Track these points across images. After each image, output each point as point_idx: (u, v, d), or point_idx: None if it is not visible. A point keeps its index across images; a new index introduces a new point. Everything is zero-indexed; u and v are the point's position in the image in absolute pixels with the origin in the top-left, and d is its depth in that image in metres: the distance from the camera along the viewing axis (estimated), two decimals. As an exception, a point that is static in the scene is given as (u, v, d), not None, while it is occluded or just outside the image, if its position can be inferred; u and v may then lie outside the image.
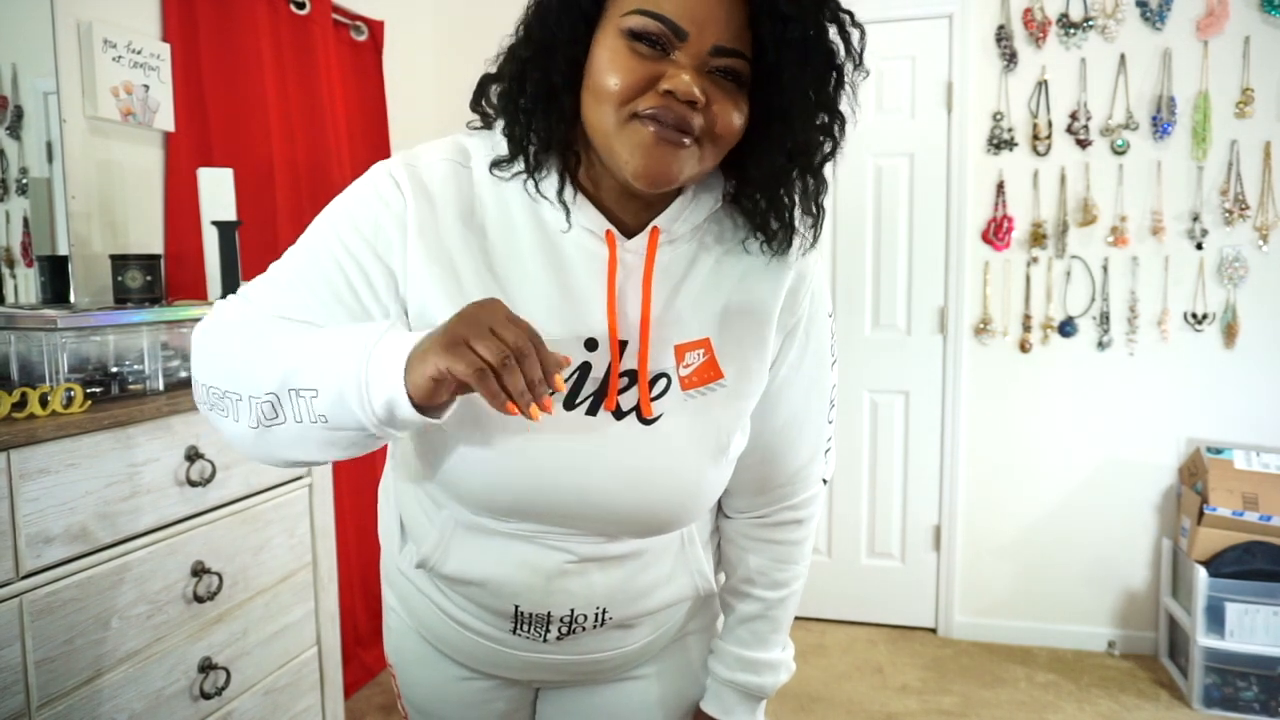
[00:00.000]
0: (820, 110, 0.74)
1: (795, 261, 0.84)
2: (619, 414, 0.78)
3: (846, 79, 0.75)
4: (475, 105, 0.81)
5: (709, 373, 0.80)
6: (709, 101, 0.70)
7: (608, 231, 0.78)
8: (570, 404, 0.77)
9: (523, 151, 0.77)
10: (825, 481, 0.96)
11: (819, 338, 0.88)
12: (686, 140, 0.71)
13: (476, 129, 0.83)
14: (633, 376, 0.78)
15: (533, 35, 0.75)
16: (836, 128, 0.76)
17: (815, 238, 0.82)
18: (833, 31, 0.72)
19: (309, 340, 0.71)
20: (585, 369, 0.77)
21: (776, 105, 0.73)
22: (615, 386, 0.78)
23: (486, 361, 0.61)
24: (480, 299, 0.67)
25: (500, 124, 0.79)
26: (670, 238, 0.80)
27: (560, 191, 0.77)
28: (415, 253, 0.76)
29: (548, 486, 0.78)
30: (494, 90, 0.79)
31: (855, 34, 0.74)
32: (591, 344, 0.78)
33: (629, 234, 0.80)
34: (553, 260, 0.78)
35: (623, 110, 0.70)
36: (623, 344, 0.78)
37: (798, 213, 0.80)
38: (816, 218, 0.81)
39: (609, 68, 0.70)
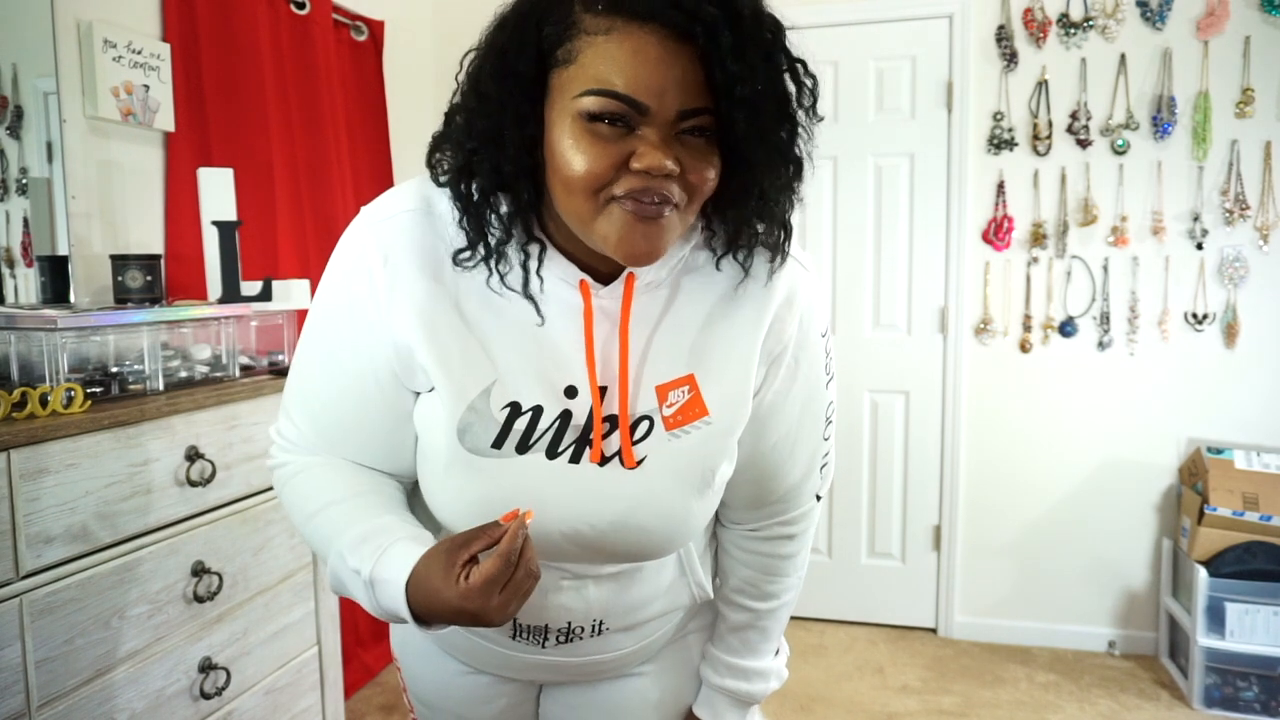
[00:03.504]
0: (777, 156, 0.72)
1: (782, 285, 0.81)
2: (603, 460, 0.77)
3: (801, 126, 0.72)
4: (429, 164, 0.78)
5: (693, 410, 0.79)
6: (684, 169, 0.68)
7: (581, 281, 0.77)
8: (553, 453, 0.77)
9: (482, 242, 0.74)
10: (819, 498, 0.95)
11: (810, 361, 0.86)
12: (668, 211, 0.69)
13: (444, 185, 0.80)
14: (614, 422, 0.78)
15: (475, 126, 0.71)
16: (793, 170, 0.74)
17: (784, 255, 0.80)
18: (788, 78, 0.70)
19: (343, 540, 0.77)
20: (566, 417, 0.77)
21: (736, 151, 0.70)
22: (599, 434, 0.77)
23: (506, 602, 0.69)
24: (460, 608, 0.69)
25: (455, 212, 0.75)
26: (646, 281, 0.79)
27: (526, 284, 0.76)
28: (393, 314, 0.76)
29: (535, 533, 0.77)
30: (445, 161, 0.76)
31: (809, 82, 0.71)
32: (571, 391, 0.77)
33: (603, 279, 0.78)
34: (527, 309, 0.77)
35: (597, 198, 0.68)
36: (603, 389, 0.77)
37: (763, 229, 0.78)
38: (783, 235, 0.79)
39: (574, 155, 0.67)
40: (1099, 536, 2.82)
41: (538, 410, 0.77)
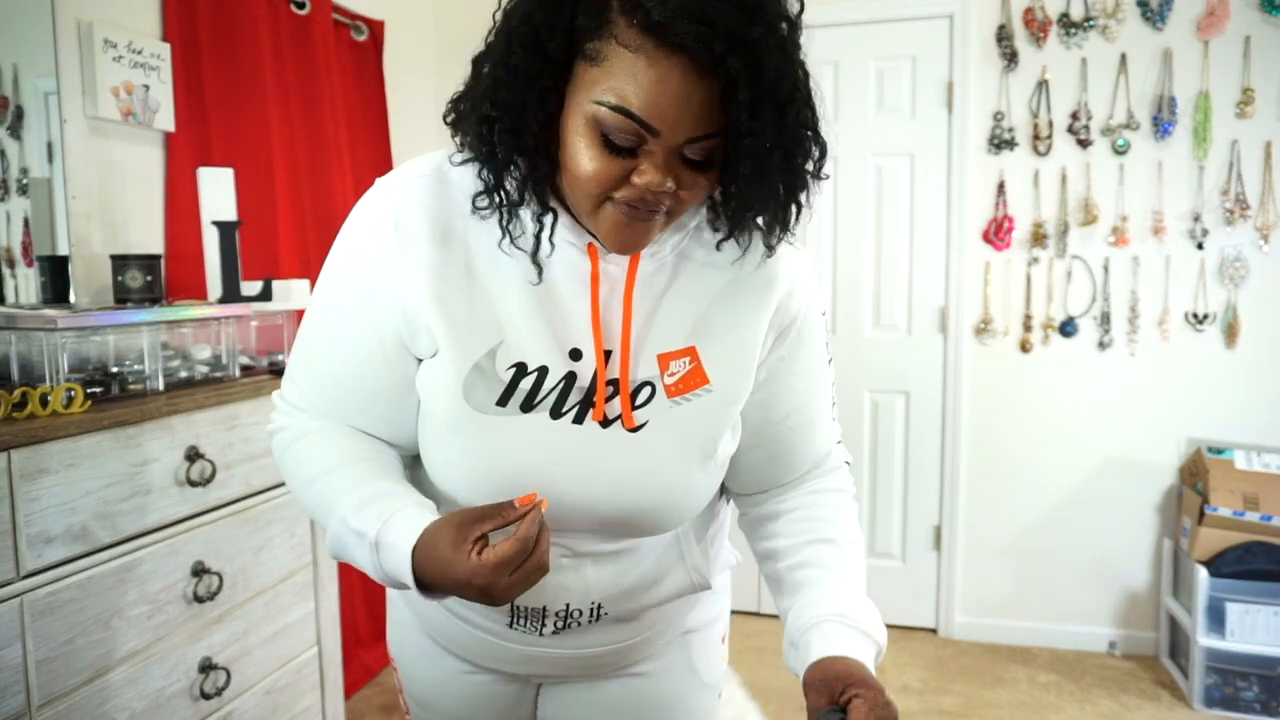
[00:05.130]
0: (774, 200, 0.75)
1: (787, 265, 0.84)
2: (606, 423, 0.79)
3: (814, 152, 0.74)
4: (449, 122, 0.79)
5: (695, 379, 0.81)
6: (679, 185, 0.71)
7: (589, 245, 0.79)
8: (557, 413, 0.78)
9: (500, 190, 0.76)
10: (848, 460, 0.95)
11: (813, 335, 0.89)
12: (656, 217, 0.72)
13: (459, 163, 0.81)
14: (618, 386, 0.79)
15: (499, 95, 0.73)
16: (792, 209, 0.76)
17: (786, 235, 0.81)
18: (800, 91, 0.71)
19: (347, 503, 0.77)
20: (570, 378, 0.78)
21: (738, 179, 0.72)
22: (602, 395, 0.78)
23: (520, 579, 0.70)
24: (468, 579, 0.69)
25: (476, 166, 0.78)
26: (653, 250, 0.81)
27: (535, 252, 0.77)
28: (402, 275, 0.77)
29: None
30: (463, 118, 0.77)
31: (817, 150, 0.74)
32: (576, 354, 0.79)
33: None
34: (533, 272, 0.79)
35: (598, 198, 0.72)
36: (607, 354, 0.79)
37: (766, 219, 0.79)
38: (782, 232, 0.80)
39: (583, 158, 0.70)
40: (1099, 536, 2.82)
41: (543, 371, 0.78)
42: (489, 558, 0.68)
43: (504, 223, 0.77)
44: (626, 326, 0.79)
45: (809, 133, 0.73)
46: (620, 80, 0.67)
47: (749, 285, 0.83)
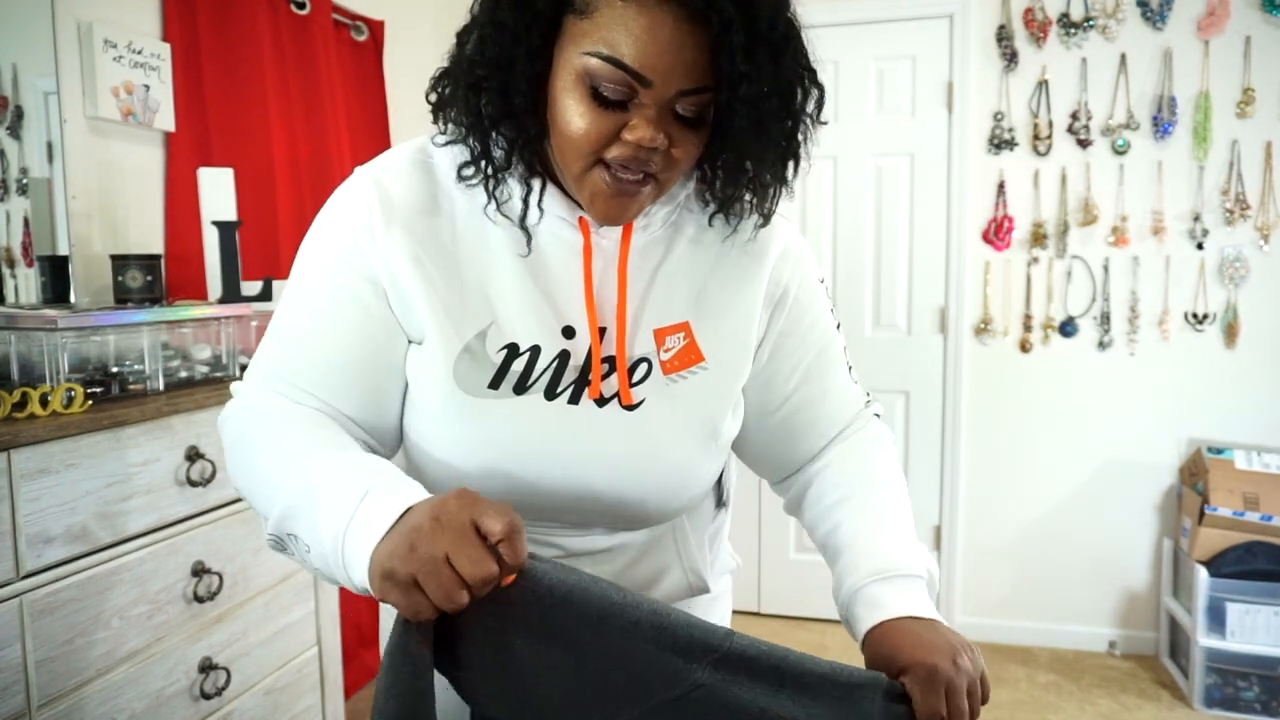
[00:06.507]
0: (772, 150, 0.74)
1: (777, 237, 0.84)
2: (602, 401, 0.77)
3: (801, 125, 0.73)
4: (431, 103, 0.77)
5: (689, 356, 0.80)
6: (671, 142, 0.70)
7: (581, 218, 0.78)
8: (551, 394, 0.76)
9: (487, 159, 0.75)
10: (878, 416, 0.91)
11: (811, 302, 0.87)
12: (644, 187, 0.72)
13: (443, 145, 0.80)
14: (613, 363, 0.78)
15: (487, 52, 0.71)
16: (789, 161, 0.76)
17: (784, 190, 0.81)
18: (793, 65, 0.71)
19: (306, 475, 0.68)
20: (564, 357, 0.77)
21: (732, 135, 0.72)
22: (598, 373, 0.77)
23: (435, 603, 0.57)
24: (448, 499, 0.60)
25: (460, 133, 0.76)
26: (645, 223, 0.80)
27: (524, 217, 0.76)
28: (390, 254, 0.75)
29: (534, 479, 0.77)
30: (447, 93, 0.76)
31: (815, 91, 0.73)
32: (569, 331, 0.77)
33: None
34: (523, 249, 0.78)
35: (589, 158, 0.70)
36: (602, 330, 0.78)
37: (753, 199, 0.79)
38: (774, 202, 0.80)
39: (574, 116, 0.69)
40: (1100, 536, 2.82)
41: (535, 350, 0.76)
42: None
43: (490, 188, 0.75)
44: (622, 300, 0.78)
45: (805, 74, 0.72)
46: (610, 30, 0.66)
47: (741, 261, 0.83)
